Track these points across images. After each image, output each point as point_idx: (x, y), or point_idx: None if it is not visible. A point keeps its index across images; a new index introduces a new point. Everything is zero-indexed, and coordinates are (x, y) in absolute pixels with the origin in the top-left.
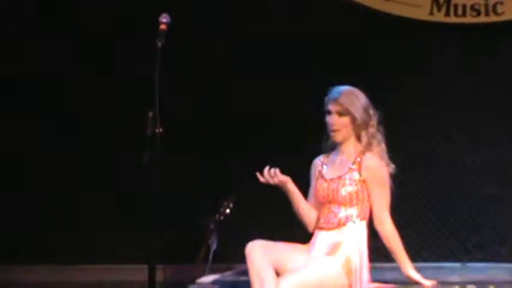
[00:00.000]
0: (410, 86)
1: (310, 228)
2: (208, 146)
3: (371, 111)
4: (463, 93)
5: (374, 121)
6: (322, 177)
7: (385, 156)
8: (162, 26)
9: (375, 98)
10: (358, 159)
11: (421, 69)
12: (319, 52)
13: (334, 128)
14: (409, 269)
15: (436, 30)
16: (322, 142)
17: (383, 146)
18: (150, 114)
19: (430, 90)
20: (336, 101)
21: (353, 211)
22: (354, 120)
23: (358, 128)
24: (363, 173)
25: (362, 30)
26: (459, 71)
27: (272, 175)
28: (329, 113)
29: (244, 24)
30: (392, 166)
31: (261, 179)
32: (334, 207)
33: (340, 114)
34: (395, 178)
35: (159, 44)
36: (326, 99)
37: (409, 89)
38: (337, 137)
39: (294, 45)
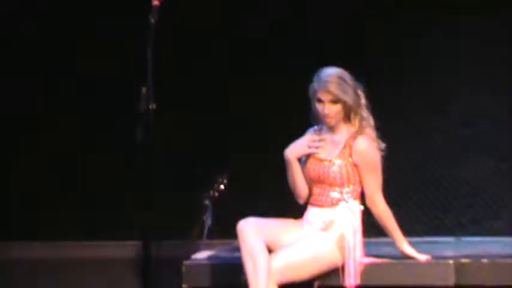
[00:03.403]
0: (401, 62)
1: (301, 200)
2: (204, 123)
3: (359, 92)
4: (455, 67)
5: (363, 100)
6: (314, 155)
7: (375, 136)
8: (155, 2)
9: (366, 76)
10: (350, 142)
11: (412, 48)
12: None
13: (330, 116)
14: (404, 245)
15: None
16: (310, 117)
17: (371, 122)
18: (144, 90)
19: (422, 66)
20: (327, 90)
21: (345, 191)
22: (346, 105)
23: (349, 110)
24: (354, 156)
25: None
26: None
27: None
28: (320, 101)
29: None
30: (383, 145)
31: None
32: (325, 187)
33: (333, 102)
34: (388, 153)
35: (152, 21)
36: (315, 87)
37: (400, 65)
38: (331, 123)
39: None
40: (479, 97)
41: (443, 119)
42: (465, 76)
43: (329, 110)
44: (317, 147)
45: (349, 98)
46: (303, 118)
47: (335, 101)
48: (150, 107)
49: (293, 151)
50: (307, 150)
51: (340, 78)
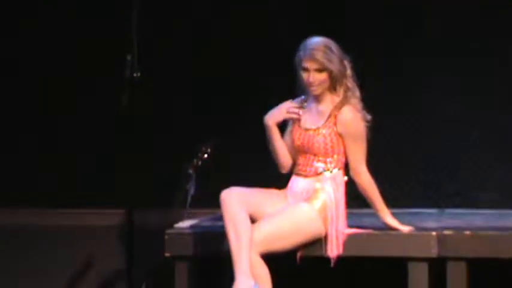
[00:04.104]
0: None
1: (283, 169)
2: (188, 89)
3: (345, 62)
4: (442, 35)
5: (349, 70)
6: (300, 124)
7: (361, 107)
8: None
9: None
10: (334, 112)
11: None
12: None
13: (315, 84)
14: (387, 217)
15: None
16: (296, 88)
17: (357, 94)
18: (129, 57)
19: (407, 35)
20: (312, 58)
21: (329, 161)
22: (331, 74)
23: (334, 80)
24: (339, 127)
25: None
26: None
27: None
28: (306, 69)
29: None
30: (369, 117)
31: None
32: (310, 156)
33: (318, 70)
34: (372, 124)
35: None
36: (300, 55)
37: (388, 34)
38: (317, 91)
39: None
40: (466, 68)
41: (429, 90)
42: (453, 46)
43: (314, 78)
44: (297, 113)
45: (334, 67)
46: (288, 85)
47: (320, 69)
48: (135, 74)
49: (271, 117)
50: (286, 116)
51: (326, 47)
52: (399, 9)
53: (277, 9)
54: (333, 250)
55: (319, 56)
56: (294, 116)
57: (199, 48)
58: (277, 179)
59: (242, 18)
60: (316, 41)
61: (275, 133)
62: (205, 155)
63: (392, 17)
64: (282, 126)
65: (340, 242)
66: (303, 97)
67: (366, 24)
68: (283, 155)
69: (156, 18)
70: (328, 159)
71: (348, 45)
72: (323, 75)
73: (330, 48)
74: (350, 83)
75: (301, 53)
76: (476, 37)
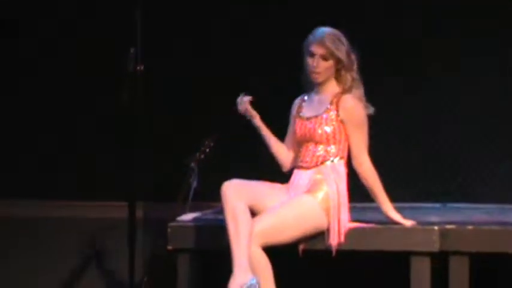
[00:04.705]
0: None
1: (285, 168)
2: (189, 85)
3: (353, 56)
4: (443, 35)
5: (355, 65)
6: (300, 116)
7: (364, 98)
8: None
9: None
10: (336, 99)
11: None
12: None
13: (318, 70)
14: (389, 209)
15: None
16: (301, 79)
17: (362, 89)
18: (132, 50)
19: (412, 29)
20: (321, 43)
21: (330, 150)
22: (337, 63)
23: (339, 71)
24: (341, 113)
25: None
26: None
27: (240, 101)
28: (312, 54)
29: None
30: (372, 109)
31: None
32: (311, 146)
33: (324, 57)
34: (375, 117)
35: None
36: (309, 39)
37: (389, 28)
38: (319, 79)
39: None
40: (468, 63)
41: (431, 86)
42: (449, 47)
43: (318, 63)
44: (243, 98)
45: (341, 55)
46: (287, 85)
47: (326, 56)
48: (138, 68)
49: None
50: (242, 107)
51: (336, 36)
52: (399, 9)
53: (276, 9)
54: (335, 238)
55: (328, 41)
56: (244, 99)
57: (199, 48)
58: (280, 174)
59: (242, 18)
60: (327, 30)
61: (261, 127)
62: (208, 149)
63: (393, 17)
64: (282, 127)
65: (342, 231)
66: (304, 94)
67: (366, 24)
68: (280, 151)
69: (156, 17)
70: (329, 147)
71: None
72: (329, 63)
73: (339, 39)
74: (355, 75)
75: (309, 37)
76: (476, 36)
